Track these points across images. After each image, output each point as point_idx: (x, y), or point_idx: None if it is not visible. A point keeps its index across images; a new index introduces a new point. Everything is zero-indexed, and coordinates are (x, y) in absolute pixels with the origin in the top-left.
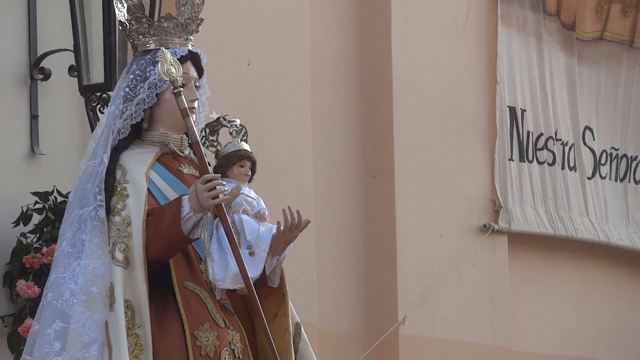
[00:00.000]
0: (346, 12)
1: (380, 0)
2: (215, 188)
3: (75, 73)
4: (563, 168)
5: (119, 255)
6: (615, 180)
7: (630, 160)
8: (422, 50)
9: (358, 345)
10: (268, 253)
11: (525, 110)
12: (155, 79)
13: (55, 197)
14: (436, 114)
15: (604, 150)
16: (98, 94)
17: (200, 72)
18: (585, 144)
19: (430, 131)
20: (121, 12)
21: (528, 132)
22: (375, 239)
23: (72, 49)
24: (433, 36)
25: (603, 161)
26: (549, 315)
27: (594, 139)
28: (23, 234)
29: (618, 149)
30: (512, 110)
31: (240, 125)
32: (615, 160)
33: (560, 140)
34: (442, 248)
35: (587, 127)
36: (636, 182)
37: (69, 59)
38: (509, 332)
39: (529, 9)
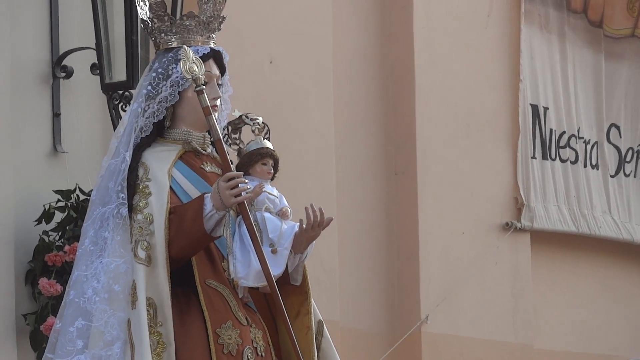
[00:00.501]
0: (368, 11)
1: None
2: (237, 186)
3: (98, 71)
4: (585, 166)
5: (141, 253)
6: None
7: None
8: (444, 48)
9: (380, 343)
10: (290, 251)
11: (547, 108)
12: (177, 77)
13: (77, 195)
14: (458, 112)
15: (630, 148)
16: (120, 92)
17: (222, 70)
18: (610, 141)
19: (453, 129)
20: (143, 10)
21: (551, 130)
22: (398, 238)
23: (94, 47)
24: (455, 34)
25: (628, 159)
26: (572, 313)
27: (620, 137)
28: (45, 232)
29: None
30: (535, 108)
31: (262, 123)
32: None
33: (582, 138)
34: (465, 246)
35: (612, 125)
36: None
37: (91, 57)
38: (532, 330)
39: (551, 7)
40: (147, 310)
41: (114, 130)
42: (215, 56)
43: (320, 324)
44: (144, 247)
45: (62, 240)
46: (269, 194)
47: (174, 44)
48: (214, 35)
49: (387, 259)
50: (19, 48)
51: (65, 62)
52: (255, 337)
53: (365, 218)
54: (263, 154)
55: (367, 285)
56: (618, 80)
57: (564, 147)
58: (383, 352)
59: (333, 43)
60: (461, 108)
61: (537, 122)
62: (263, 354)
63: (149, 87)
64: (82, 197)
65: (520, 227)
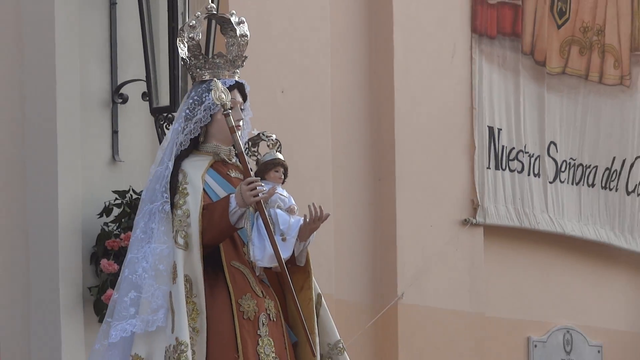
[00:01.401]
0: (359, 52)
1: (385, 42)
2: (255, 188)
3: (147, 98)
4: (529, 175)
5: (181, 240)
6: (572, 184)
7: (584, 168)
8: (419, 82)
9: (367, 313)
10: (296, 239)
11: (501, 129)
12: (209, 103)
13: (131, 195)
14: (430, 132)
15: (564, 160)
16: (165, 114)
17: (244, 97)
18: (549, 155)
19: (425, 145)
20: (183, 51)
21: (503, 146)
22: (380, 230)
23: (144, 79)
24: (427, 70)
25: (563, 169)
26: (515, 288)
27: (557, 151)
28: (106, 224)
29: (575, 159)
30: (491, 129)
31: (275, 139)
32: (573, 168)
33: (527, 152)
34: (433, 237)
35: (551, 142)
36: (589, 185)
37: (142, 87)
38: (484, 302)
39: (508, 50)
40: (185, 285)
41: (160, 144)
42: (238, 87)
43: (319, 296)
44: (183, 236)
45: (119, 229)
46: (280, 194)
47: (207, 77)
48: (238, 71)
49: (372, 247)
50: (87, 79)
51: (122, 90)
52: (268, 306)
53: (354, 214)
54: (276, 163)
55: (356, 266)
56: (556, 107)
57: (513, 159)
58: (369, 320)
59: (331, 76)
60: (432, 128)
61: (492, 139)
62: (274, 319)
63: (187, 111)
64: (134, 196)
65: (475, 222)
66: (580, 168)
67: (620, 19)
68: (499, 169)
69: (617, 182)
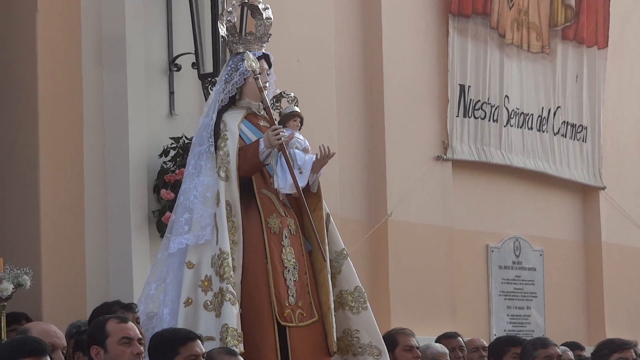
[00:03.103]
0: (355, 29)
1: (375, 23)
2: (279, 134)
3: (196, 67)
4: (489, 121)
5: (222, 174)
6: (518, 128)
7: (525, 115)
8: (404, 52)
9: (363, 228)
10: (310, 172)
11: (470, 86)
12: (243, 70)
13: (184, 140)
14: (413, 90)
15: (513, 110)
16: (209, 79)
17: (269, 65)
18: (504, 106)
19: (408, 99)
20: (222, 30)
21: (470, 100)
22: (373, 164)
23: (193, 52)
24: (411, 44)
25: (512, 116)
26: (476, 207)
27: (509, 102)
28: (165, 162)
29: (519, 108)
30: (462, 86)
31: (294, 96)
32: (517, 115)
33: (489, 104)
34: (413, 169)
35: (506, 95)
36: (529, 129)
37: (192, 58)
38: (453, 218)
39: (480, 25)
40: (226, 208)
41: (205, 101)
42: (265, 57)
43: (328, 215)
44: (224, 170)
45: (175, 166)
46: (298, 138)
47: (241, 50)
48: (264, 45)
49: (367, 177)
50: (150, 53)
51: (177, 61)
52: (289, 224)
53: (354, 153)
54: (294, 115)
55: (355, 192)
56: (511, 70)
57: (478, 109)
58: (366, 233)
59: (335, 48)
60: (414, 87)
61: (462, 94)
62: (294, 233)
63: (226, 76)
64: (186, 141)
65: (446, 158)
66: (522, 115)
67: (540, 2)
68: (466, 117)
69: (547, 126)
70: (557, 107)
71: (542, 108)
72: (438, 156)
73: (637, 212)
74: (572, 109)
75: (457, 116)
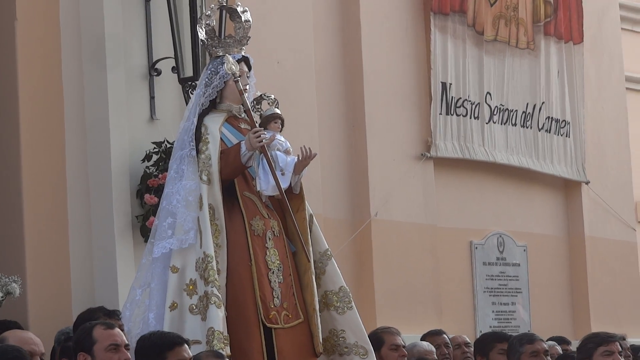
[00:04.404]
0: (335, 31)
1: (354, 23)
2: (260, 136)
3: (176, 71)
4: (471, 118)
5: (204, 177)
6: (501, 124)
7: (509, 111)
8: (385, 51)
9: (347, 227)
10: (293, 173)
11: (451, 84)
12: (223, 73)
13: (166, 144)
14: (395, 88)
15: (496, 106)
16: (189, 82)
17: (249, 68)
18: (486, 102)
19: (391, 98)
20: (201, 34)
21: (452, 97)
22: (356, 164)
23: (173, 56)
24: (392, 42)
25: (495, 113)
26: (459, 204)
27: (491, 99)
28: (147, 167)
29: (504, 105)
30: (444, 84)
31: (274, 98)
32: (501, 112)
33: (470, 101)
34: (397, 168)
35: (487, 92)
36: (512, 125)
37: (172, 62)
38: (436, 215)
39: (457, 23)
40: (209, 211)
41: (186, 105)
42: (245, 60)
43: (311, 216)
44: (206, 174)
45: (157, 171)
46: (279, 140)
47: (220, 53)
48: (244, 48)
49: (350, 177)
50: (130, 58)
51: (157, 66)
52: (273, 225)
53: (335, 153)
54: (275, 117)
55: (338, 192)
56: (490, 66)
57: (460, 107)
58: (351, 235)
59: (314, 50)
60: (397, 85)
61: (444, 92)
62: (278, 235)
63: (206, 79)
64: (168, 145)
65: (429, 156)
66: (506, 112)
67: None
68: (449, 115)
69: (531, 122)
70: (542, 103)
71: (527, 104)
72: (422, 154)
73: (619, 206)
74: (556, 104)
75: (440, 114)
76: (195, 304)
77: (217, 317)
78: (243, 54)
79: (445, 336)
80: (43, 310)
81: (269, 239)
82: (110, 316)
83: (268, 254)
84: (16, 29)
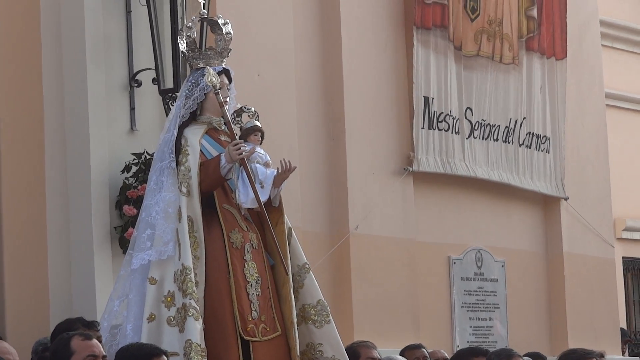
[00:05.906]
0: (316, 45)
1: (335, 37)
2: (240, 148)
3: (156, 82)
4: (452, 133)
5: (184, 189)
6: (482, 139)
7: (491, 127)
8: (365, 66)
9: (326, 241)
10: (272, 186)
11: (433, 98)
12: (203, 85)
13: (145, 156)
14: (376, 102)
15: (477, 121)
16: (170, 94)
17: (230, 80)
18: (465, 117)
19: (370, 111)
20: (182, 46)
21: (434, 112)
22: (335, 178)
23: (154, 68)
24: (373, 57)
25: (476, 128)
26: (438, 219)
27: (472, 114)
28: (127, 178)
29: (485, 120)
30: (426, 98)
31: (254, 111)
32: (483, 127)
33: (451, 116)
34: (376, 182)
35: (468, 107)
36: (494, 140)
37: (152, 74)
38: (415, 230)
39: (439, 38)
40: (188, 223)
41: (167, 116)
42: (225, 72)
43: (290, 229)
44: (185, 186)
45: (137, 182)
46: (259, 153)
47: (201, 65)
48: (224, 60)
49: (329, 191)
50: (110, 70)
51: (137, 77)
52: (251, 238)
53: (315, 167)
54: (255, 129)
55: (317, 206)
56: (471, 81)
57: (441, 121)
58: (329, 248)
59: (295, 63)
60: (378, 100)
61: (426, 106)
62: (256, 248)
63: (187, 91)
64: (148, 157)
65: (411, 170)
66: (488, 127)
67: (512, 13)
68: (430, 129)
69: (513, 137)
70: (523, 118)
71: (510, 119)
72: (405, 168)
73: (598, 222)
74: (537, 119)
75: (423, 128)
76: (173, 316)
77: (195, 329)
78: (224, 66)
79: (424, 350)
80: (21, 320)
81: (248, 251)
82: (90, 327)
83: (246, 266)
84: None
